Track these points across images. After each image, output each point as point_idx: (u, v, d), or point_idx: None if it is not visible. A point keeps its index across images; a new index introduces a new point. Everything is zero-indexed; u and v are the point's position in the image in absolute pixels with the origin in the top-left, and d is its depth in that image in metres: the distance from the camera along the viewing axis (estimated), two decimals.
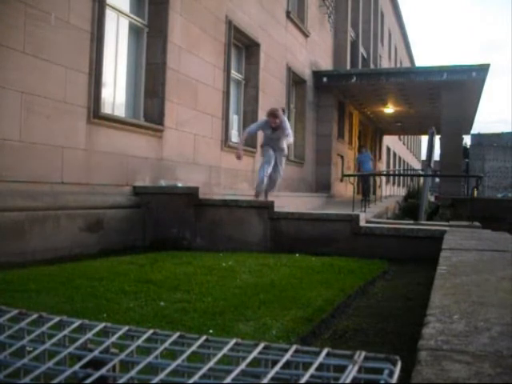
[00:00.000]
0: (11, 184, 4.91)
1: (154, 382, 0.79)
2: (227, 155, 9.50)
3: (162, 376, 0.81)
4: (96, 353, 0.90)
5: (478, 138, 75.00)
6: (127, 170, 6.67)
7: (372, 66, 21.55)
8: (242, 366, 0.83)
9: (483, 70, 13.78)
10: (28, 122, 5.13)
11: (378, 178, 16.52)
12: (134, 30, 7.48)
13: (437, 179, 22.43)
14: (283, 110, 7.43)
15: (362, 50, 20.58)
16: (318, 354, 0.86)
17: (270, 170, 7.10)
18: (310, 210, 8.62)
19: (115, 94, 7.12)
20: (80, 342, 0.94)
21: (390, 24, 28.25)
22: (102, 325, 0.99)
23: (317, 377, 0.80)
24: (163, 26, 7.49)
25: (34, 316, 1.03)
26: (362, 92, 16.78)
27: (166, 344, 0.93)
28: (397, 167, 32.72)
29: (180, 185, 7.19)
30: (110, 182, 6.34)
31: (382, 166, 26.47)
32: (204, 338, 0.93)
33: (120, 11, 7.04)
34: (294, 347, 0.89)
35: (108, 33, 6.45)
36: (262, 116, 11.04)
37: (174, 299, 3.23)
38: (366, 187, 14.30)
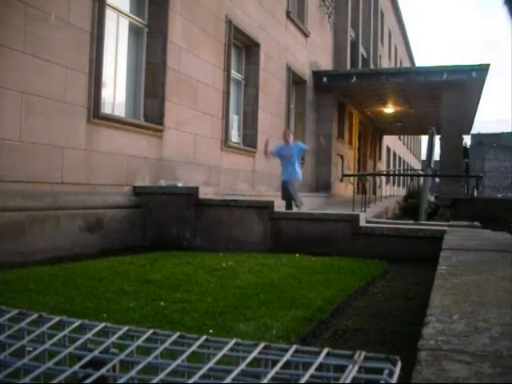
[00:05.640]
0: (11, 184, 4.91)
1: (153, 382, 0.79)
2: (227, 155, 9.51)
3: (161, 376, 0.81)
4: (96, 353, 0.90)
5: (478, 138, 74.98)
6: (127, 170, 6.67)
7: (372, 66, 21.55)
8: (242, 365, 0.83)
9: (483, 69, 13.78)
10: (28, 122, 5.13)
11: (377, 178, 16.49)
12: (134, 30, 7.48)
13: (437, 179, 22.43)
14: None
15: (362, 49, 20.58)
16: (318, 353, 0.86)
17: None
18: (310, 210, 8.61)
19: (115, 94, 7.12)
20: (80, 341, 0.94)
21: (389, 24, 28.26)
22: (102, 325, 0.99)
23: (317, 377, 0.80)
24: (163, 26, 7.49)
25: (34, 316, 1.03)
26: (361, 92, 16.78)
27: (166, 344, 0.93)
28: (397, 167, 32.72)
29: (180, 185, 7.19)
30: (110, 182, 6.34)
31: (382, 166, 26.46)
32: (204, 337, 0.93)
33: (120, 11, 7.04)
34: (294, 347, 0.89)
35: (108, 33, 6.44)
36: (262, 116, 11.07)
37: (174, 299, 3.23)
38: (286, 194, 8.86)
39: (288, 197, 8.81)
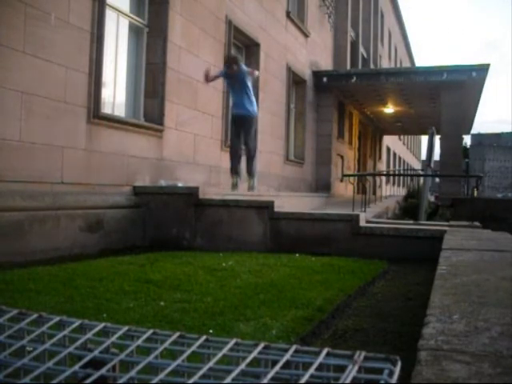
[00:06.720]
0: (11, 184, 4.91)
1: (153, 382, 0.79)
2: (227, 155, 9.49)
3: (161, 376, 0.81)
4: (96, 353, 0.90)
5: (478, 138, 75.05)
6: (127, 170, 6.66)
7: (372, 66, 21.54)
8: (242, 365, 0.83)
9: (483, 69, 13.78)
10: (28, 122, 5.13)
11: (377, 178, 16.49)
12: (134, 30, 7.48)
13: (437, 179, 22.43)
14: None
15: (362, 49, 20.57)
16: (318, 354, 0.86)
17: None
18: (310, 210, 8.61)
19: (115, 94, 7.12)
20: (80, 341, 0.94)
21: (389, 24, 28.25)
22: (101, 325, 0.99)
23: (317, 377, 0.80)
24: (163, 25, 7.49)
25: (34, 316, 1.03)
26: (361, 92, 16.77)
27: (166, 344, 0.93)
28: (397, 167, 32.73)
29: (180, 185, 7.19)
30: (110, 181, 6.34)
31: (382, 166, 26.47)
32: (204, 337, 0.93)
33: (120, 11, 7.04)
34: (294, 347, 0.89)
35: (108, 33, 6.44)
36: (261, 116, 11.04)
37: (174, 299, 3.23)
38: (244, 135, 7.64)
39: (246, 141, 7.00)
